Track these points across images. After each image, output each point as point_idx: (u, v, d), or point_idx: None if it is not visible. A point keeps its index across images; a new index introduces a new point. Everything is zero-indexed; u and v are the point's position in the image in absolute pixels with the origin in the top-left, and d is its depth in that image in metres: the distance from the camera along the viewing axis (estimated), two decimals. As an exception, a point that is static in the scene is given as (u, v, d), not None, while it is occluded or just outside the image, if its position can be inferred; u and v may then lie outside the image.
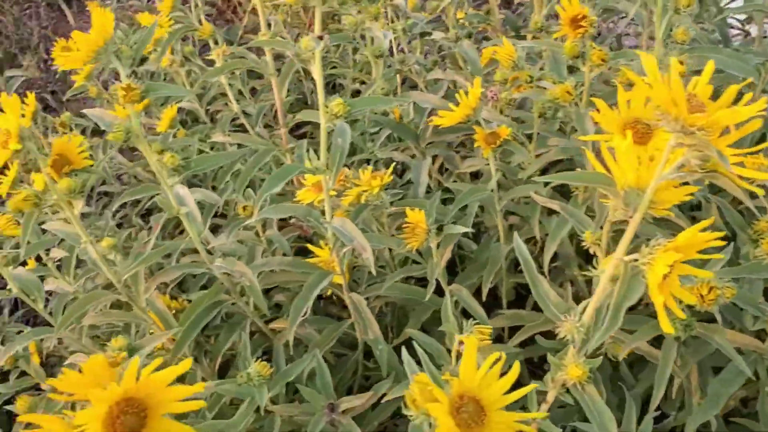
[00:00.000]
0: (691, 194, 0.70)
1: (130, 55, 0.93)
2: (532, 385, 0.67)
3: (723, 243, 0.66)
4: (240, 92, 1.80)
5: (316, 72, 0.91)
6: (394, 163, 1.26)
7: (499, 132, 1.04)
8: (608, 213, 0.89)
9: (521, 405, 0.77)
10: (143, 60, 0.99)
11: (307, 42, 0.89)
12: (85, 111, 1.01)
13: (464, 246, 1.39)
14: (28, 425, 0.60)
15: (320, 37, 0.87)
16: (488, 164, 1.31)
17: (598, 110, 0.80)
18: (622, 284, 0.66)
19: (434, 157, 1.52)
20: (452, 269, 1.45)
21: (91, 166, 0.98)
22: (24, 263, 1.30)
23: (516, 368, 0.64)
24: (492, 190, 1.15)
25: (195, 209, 1.12)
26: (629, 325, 1.08)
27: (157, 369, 0.58)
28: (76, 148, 0.95)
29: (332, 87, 2.48)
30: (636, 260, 0.67)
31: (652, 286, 0.63)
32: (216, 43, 1.53)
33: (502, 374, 0.64)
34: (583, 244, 0.96)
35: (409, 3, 1.59)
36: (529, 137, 1.22)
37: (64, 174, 0.94)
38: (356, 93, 2.06)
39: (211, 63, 2.00)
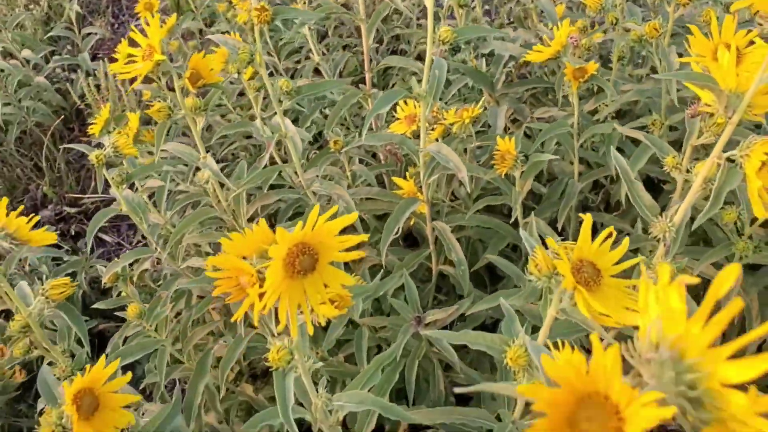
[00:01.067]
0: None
1: (260, -17, 1.03)
2: (639, 258, 0.76)
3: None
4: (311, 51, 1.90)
5: (430, 2, 1.00)
6: (483, 97, 1.35)
7: (586, 68, 1.13)
8: (691, 137, 0.98)
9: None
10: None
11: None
12: (210, 36, 1.12)
13: (534, 189, 1.48)
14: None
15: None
16: (561, 110, 1.40)
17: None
18: (721, 175, 0.75)
19: (505, 109, 1.60)
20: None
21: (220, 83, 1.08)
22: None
23: (626, 243, 0.73)
24: (572, 126, 1.24)
25: (296, 135, 1.23)
26: (695, 255, 1.17)
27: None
28: (208, 65, 1.06)
29: (392, 53, 2.57)
30: (733, 156, 0.76)
31: (750, 173, 0.72)
32: (300, -6, 1.63)
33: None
34: (665, 168, 1.04)
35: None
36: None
37: (197, 87, 1.04)
38: (418, 57, 2.16)
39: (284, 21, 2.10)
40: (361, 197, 1.34)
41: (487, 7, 2.56)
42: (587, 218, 0.74)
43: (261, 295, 0.66)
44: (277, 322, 0.66)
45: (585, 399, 0.39)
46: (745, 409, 0.35)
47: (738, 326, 1.24)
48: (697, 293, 1.34)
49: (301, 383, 0.89)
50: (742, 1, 0.70)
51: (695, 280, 0.41)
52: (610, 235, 0.74)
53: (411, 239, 1.67)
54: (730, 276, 0.37)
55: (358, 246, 0.68)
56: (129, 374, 0.82)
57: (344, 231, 1.46)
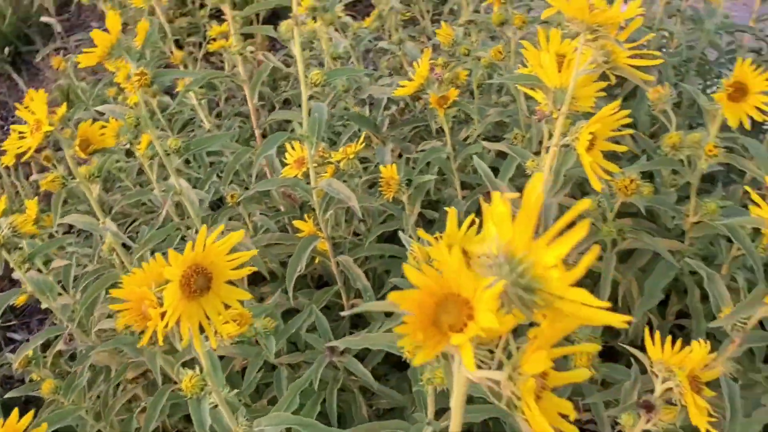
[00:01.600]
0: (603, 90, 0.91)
1: (137, 51, 1.11)
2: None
3: (629, 120, 0.87)
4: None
5: (297, 49, 1.10)
6: (364, 134, 1.46)
7: (448, 95, 1.26)
8: (542, 138, 1.11)
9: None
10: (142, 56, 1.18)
11: (287, 24, 1.09)
12: (98, 108, 1.18)
13: (429, 216, 1.58)
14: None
15: (297, 22, 1.06)
16: (438, 140, 1.53)
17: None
18: (558, 158, 0.87)
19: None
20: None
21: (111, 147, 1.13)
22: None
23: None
24: (447, 150, 1.35)
25: (191, 191, 1.29)
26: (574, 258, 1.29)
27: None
28: (98, 132, 1.12)
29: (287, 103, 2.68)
30: (567, 142, 0.88)
31: (581, 151, 0.84)
32: (186, 67, 1.72)
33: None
34: (528, 171, 1.16)
35: (366, 22, 1.84)
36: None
37: (88, 153, 1.10)
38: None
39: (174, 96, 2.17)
40: (264, 244, 1.40)
41: (372, 68, 2.72)
42: (452, 211, 0.83)
43: (164, 316, 0.71)
44: (180, 339, 0.71)
45: (443, 301, 0.46)
46: (559, 281, 0.43)
47: (624, 307, 1.36)
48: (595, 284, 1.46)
49: (220, 415, 0.93)
50: (550, 10, 0.83)
51: (515, 195, 0.50)
52: (473, 222, 0.83)
53: (323, 284, 1.74)
54: (535, 183, 0.46)
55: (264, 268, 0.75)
56: (44, 425, 0.84)
57: (255, 280, 1.50)
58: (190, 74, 1.32)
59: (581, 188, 1.46)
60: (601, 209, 1.17)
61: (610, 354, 1.40)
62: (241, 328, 0.81)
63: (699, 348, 0.85)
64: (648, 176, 1.38)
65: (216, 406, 0.89)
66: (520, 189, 1.38)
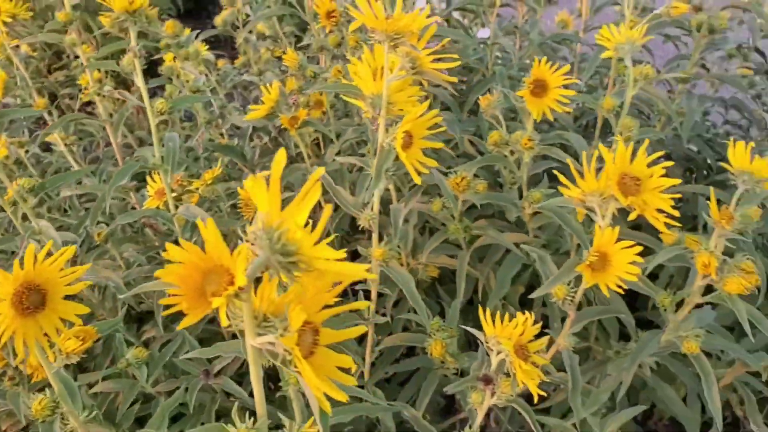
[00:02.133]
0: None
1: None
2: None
3: (440, 119, 0.96)
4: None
5: (139, 80, 1.15)
6: (221, 160, 1.50)
7: (298, 115, 1.32)
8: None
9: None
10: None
11: (128, 59, 1.13)
12: (-58, 153, 1.17)
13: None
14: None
15: (136, 54, 1.11)
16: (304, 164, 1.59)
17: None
18: (380, 157, 0.94)
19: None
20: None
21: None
22: None
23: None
24: (307, 168, 1.41)
25: (52, 231, 1.29)
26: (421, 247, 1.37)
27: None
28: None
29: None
30: (388, 143, 0.95)
31: (399, 149, 0.92)
32: (50, 114, 1.72)
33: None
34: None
35: (237, 61, 1.91)
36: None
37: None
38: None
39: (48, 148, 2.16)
40: (135, 277, 1.41)
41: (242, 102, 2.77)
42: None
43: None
44: (15, 356, 0.73)
45: (208, 273, 0.51)
46: (304, 241, 0.49)
47: (483, 299, 1.45)
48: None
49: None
50: (355, 23, 0.91)
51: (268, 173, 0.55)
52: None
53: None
54: (278, 158, 0.51)
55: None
56: None
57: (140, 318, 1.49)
58: (37, 113, 1.33)
59: (440, 193, 1.55)
60: (449, 210, 1.24)
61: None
62: (86, 343, 0.83)
63: (522, 319, 0.93)
64: (494, 176, 1.49)
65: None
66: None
